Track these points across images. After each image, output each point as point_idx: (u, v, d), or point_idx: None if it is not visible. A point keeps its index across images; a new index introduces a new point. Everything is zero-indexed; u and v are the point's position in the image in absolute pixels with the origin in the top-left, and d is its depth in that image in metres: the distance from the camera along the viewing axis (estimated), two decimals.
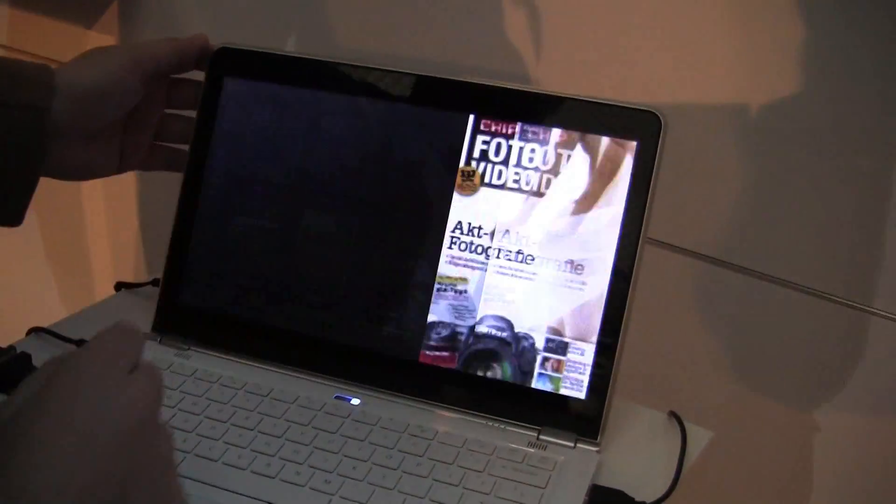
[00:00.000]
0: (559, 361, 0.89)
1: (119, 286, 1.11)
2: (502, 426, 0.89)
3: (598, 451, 0.87)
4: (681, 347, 1.22)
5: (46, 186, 0.97)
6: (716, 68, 1.10)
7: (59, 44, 1.72)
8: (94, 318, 1.06)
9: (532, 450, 0.86)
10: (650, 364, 1.21)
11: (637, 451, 0.90)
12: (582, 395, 0.88)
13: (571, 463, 0.85)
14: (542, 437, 0.88)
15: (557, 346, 0.89)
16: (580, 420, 0.88)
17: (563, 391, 0.88)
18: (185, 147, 1.00)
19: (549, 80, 1.20)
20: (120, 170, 1.00)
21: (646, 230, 0.87)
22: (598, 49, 1.15)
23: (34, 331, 1.02)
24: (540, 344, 0.89)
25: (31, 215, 0.90)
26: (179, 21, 1.54)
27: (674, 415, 0.93)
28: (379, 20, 1.30)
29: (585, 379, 0.88)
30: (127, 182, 1.73)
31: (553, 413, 0.88)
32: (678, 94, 1.12)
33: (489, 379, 0.90)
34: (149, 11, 1.58)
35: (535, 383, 0.89)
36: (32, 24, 1.76)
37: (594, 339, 0.88)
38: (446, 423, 0.89)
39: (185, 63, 0.98)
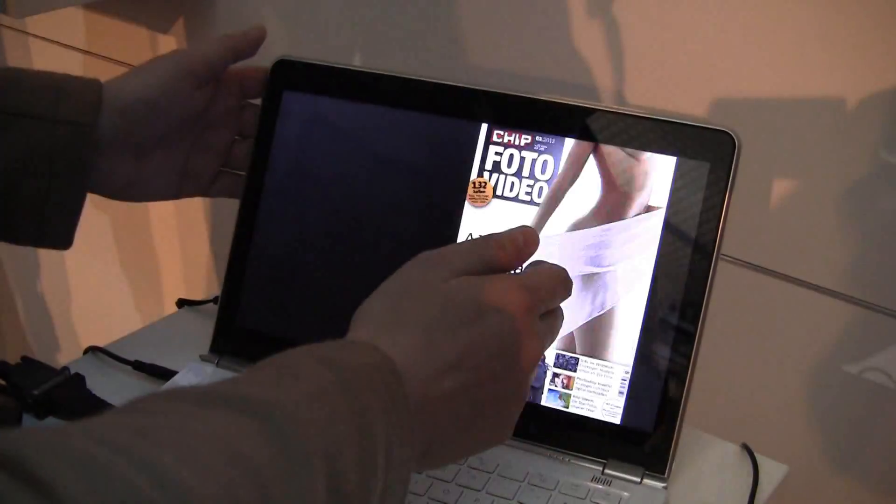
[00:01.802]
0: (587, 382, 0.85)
1: (181, 303, 1.09)
2: (567, 458, 0.86)
3: (664, 487, 0.83)
4: (755, 373, 1.17)
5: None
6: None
7: (136, 49, 1.72)
8: (154, 337, 1.04)
9: (596, 485, 0.83)
10: (721, 391, 1.17)
11: (705, 485, 0.86)
12: (650, 426, 0.84)
13: (636, 499, 0.82)
14: (607, 471, 0.84)
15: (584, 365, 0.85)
16: (648, 453, 0.84)
17: (629, 422, 0.85)
18: None
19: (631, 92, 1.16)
20: (180, 194, 0.97)
21: (717, 257, 0.83)
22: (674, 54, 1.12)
23: (91, 350, 1.01)
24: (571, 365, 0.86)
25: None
26: (250, 18, 1.52)
27: (746, 447, 0.89)
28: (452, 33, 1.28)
29: (654, 408, 0.84)
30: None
31: (620, 445, 0.85)
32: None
33: (553, 409, 0.87)
34: (221, 15, 1.57)
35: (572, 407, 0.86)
36: (110, 28, 1.75)
37: (664, 365, 0.84)
38: (508, 454, 0.86)
39: (241, 56, 0.94)
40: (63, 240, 0.90)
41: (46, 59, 1.87)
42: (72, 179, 0.87)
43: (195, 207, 1.76)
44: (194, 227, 1.80)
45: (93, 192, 0.91)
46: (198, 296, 1.10)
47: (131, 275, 1.95)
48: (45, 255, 2.08)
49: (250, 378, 0.57)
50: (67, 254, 2.03)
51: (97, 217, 1.88)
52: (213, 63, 0.92)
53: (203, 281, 1.81)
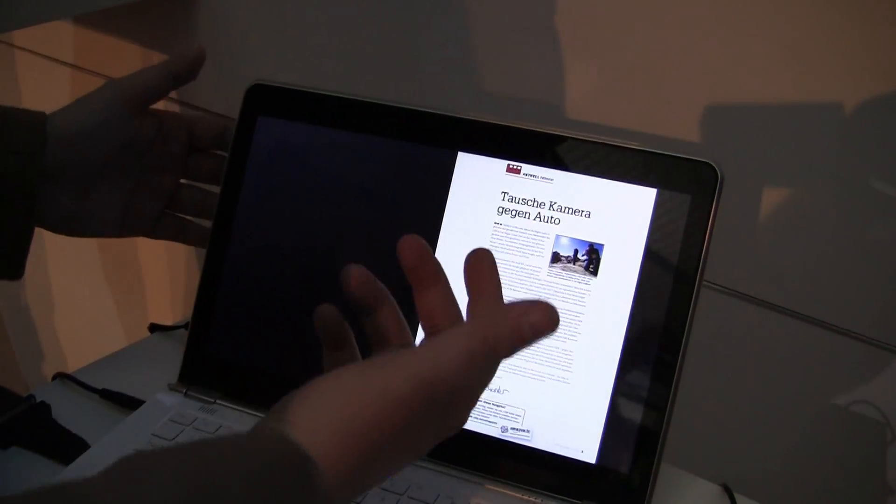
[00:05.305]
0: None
1: (153, 328, 1.07)
2: (540, 499, 0.83)
3: None
4: (736, 407, 1.15)
5: None
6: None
7: (125, 64, 1.70)
8: (125, 363, 1.02)
9: None
10: (702, 426, 1.14)
11: None
12: (627, 464, 0.82)
13: None
14: None
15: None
16: (624, 493, 0.82)
17: (604, 460, 0.82)
18: (197, 220, 0.96)
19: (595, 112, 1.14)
20: (122, 232, 0.95)
21: (697, 294, 0.81)
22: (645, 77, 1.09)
23: (59, 376, 0.98)
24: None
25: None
26: (236, 35, 1.51)
27: (725, 488, 0.87)
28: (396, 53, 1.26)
29: (630, 446, 0.82)
30: None
31: (595, 484, 0.82)
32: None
33: (525, 446, 0.84)
34: (210, 29, 1.55)
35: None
36: (99, 43, 1.74)
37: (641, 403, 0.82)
38: (480, 494, 0.83)
39: (181, 80, 0.92)
40: (13, 271, 0.89)
41: (34, 73, 1.85)
42: (21, 211, 0.86)
43: None
44: (182, 247, 1.78)
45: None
46: (185, 315, 1.08)
47: (117, 293, 1.93)
48: (30, 271, 2.06)
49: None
50: (53, 271, 2.01)
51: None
52: (150, 88, 0.90)
53: (190, 301, 1.79)
